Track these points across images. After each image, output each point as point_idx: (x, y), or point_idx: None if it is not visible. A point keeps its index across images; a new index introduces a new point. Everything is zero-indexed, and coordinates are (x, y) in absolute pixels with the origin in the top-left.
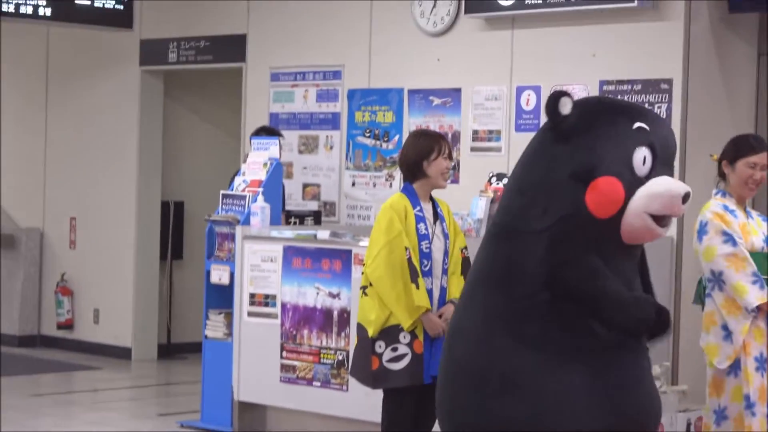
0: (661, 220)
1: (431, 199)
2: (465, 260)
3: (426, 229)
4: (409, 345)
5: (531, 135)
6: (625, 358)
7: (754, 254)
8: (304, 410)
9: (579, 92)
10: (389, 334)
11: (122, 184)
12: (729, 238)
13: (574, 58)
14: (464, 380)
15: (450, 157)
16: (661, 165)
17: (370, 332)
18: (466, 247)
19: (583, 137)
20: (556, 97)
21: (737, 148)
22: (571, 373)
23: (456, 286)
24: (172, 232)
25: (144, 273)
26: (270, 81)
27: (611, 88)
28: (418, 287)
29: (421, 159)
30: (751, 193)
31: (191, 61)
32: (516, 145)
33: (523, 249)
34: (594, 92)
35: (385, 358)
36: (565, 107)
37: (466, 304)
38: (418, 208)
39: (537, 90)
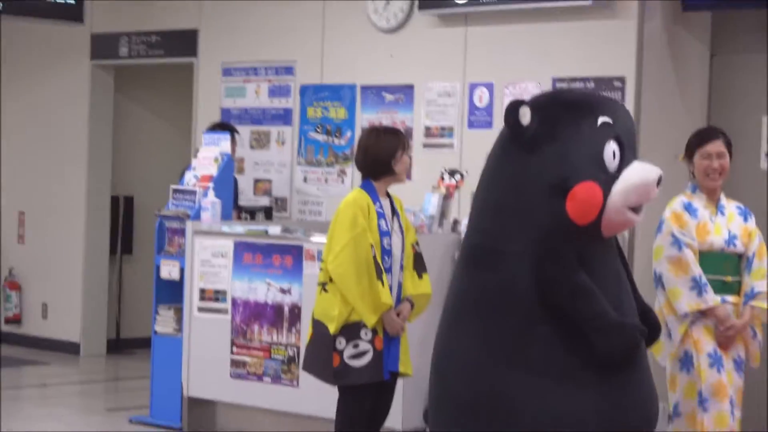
0: (636, 208)
1: (387, 194)
2: (417, 255)
3: (386, 225)
4: (371, 342)
5: (483, 132)
6: (628, 367)
7: (709, 254)
8: (255, 406)
9: (532, 89)
10: (350, 330)
11: (72, 179)
12: (676, 242)
13: (527, 56)
14: (462, 410)
15: (409, 149)
16: (629, 151)
17: (332, 329)
18: (417, 243)
19: (550, 145)
20: (515, 107)
21: (692, 141)
22: (575, 395)
23: (410, 282)
24: (122, 226)
25: (93, 268)
26: (222, 76)
27: (564, 85)
28: (383, 284)
29: (390, 158)
30: (714, 183)
31: (142, 55)
32: (468, 141)
33: (509, 272)
34: (547, 90)
35: (346, 354)
36: (525, 117)
37: (452, 330)
38: (378, 204)
39: (490, 87)
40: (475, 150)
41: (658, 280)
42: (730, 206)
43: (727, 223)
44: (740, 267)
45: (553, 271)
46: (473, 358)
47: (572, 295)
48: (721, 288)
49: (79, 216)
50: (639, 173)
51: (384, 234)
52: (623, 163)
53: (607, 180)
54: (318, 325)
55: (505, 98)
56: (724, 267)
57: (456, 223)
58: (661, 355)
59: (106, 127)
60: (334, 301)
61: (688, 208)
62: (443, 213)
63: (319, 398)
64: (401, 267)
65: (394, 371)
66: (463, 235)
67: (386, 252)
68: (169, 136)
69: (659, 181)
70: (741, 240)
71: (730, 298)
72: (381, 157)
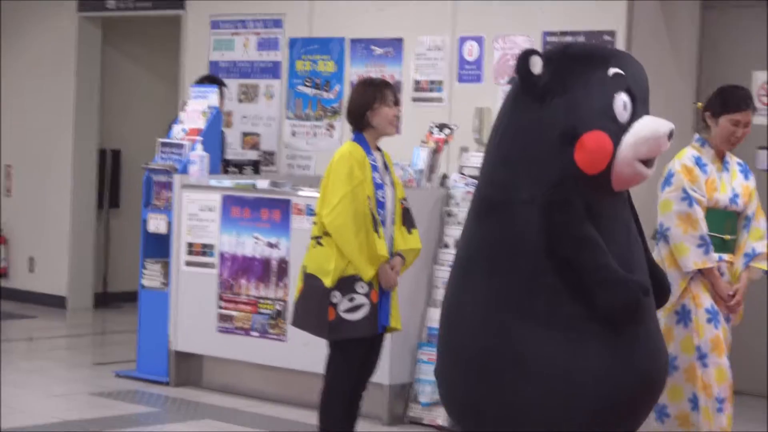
0: (647, 161)
1: (379, 149)
2: (405, 211)
3: (380, 178)
4: (367, 295)
5: (473, 86)
6: (632, 322)
7: (714, 212)
8: (242, 360)
9: (522, 43)
10: (346, 284)
11: (59, 132)
12: (687, 197)
13: (517, 9)
14: (469, 364)
15: (396, 103)
16: (640, 104)
17: (327, 282)
18: (405, 198)
19: (560, 95)
20: (526, 56)
21: (724, 103)
22: (582, 349)
23: (400, 237)
24: (109, 180)
25: (80, 222)
26: (210, 29)
27: (554, 39)
28: (379, 236)
29: (365, 109)
30: (731, 147)
31: (130, 8)
32: (458, 95)
33: (518, 222)
34: (537, 44)
35: (341, 308)
36: (536, 67)
37: (460, 282)
38: (372, 157)
39: (479, 40)
40: (464, 104)
41: (663, 234)
42: (733, 163)
43: (731, 180)
44: (738, 226)
45: (561, 220)
46: (480, 309)
47: (577, 245)
48: (720, 246)
49: (66, 169)
50: (650, 126)
51: (378, 186)
52: (635, 116)
53: (617, 131)
54: (311, 279)
55: (495, 52)
56: (725, 225)
57: (445, 177)
58: None
59: (93, 80)
60: (330, 254)
61: (698, 161)
62: (432, 167)
63: (307, 353)
64: (392, 221)
65: (385, 325)
66: (451, 189)
67: (380, 205)
68: (157, 89)
69: (671, 135)
70: (742, 198)
71: (726, 257)
72: (355, 109)
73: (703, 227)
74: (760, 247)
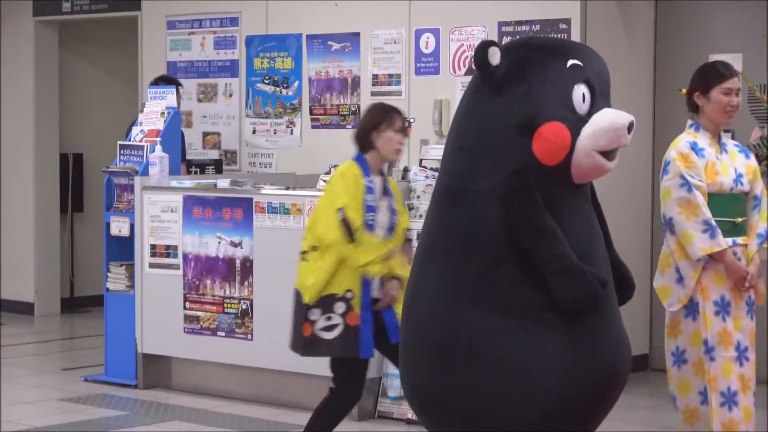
0: (608, 154)
1: (382, 174)
2: (406, 241)
3: (373, 201)
4: (342, 316)
5: (431, 78)
6: (595, 312)
7: (719, 196)
8: (209, 361)
9: (478, 35)
10: (326, 302)
11: (20, 138)
12: (685, 183)
13: (472, 1)
14: (427, 351)
15: (403, 131)
16: (600, 97)
17: (306, 298)
18: (408, 229)
19: (518, 86)
20: (484, 47)
21: (709, 78)
22: (540, 339)
23: (398, 263)
24: (72, 184)
25: (44, 227)
26: (166, 29)
27: (510, 29)
28: (359, 243)
29: (371, 129)
30: (730, 119)
31: (85, 10)
32: (416, 88)
33: (477, 211)
34: (493, 34)
35: (318, 326)
36: (494, 57)
37: (421, 271)
38: (368, 179)
39: (436, 33)
40: (422, 97)
41: (668, 224)
42: (730, 144)
43: (732, 162)
44: (747, 207)
45: (519, 210)
46: (439, 296)
47: (535, 235)
48: (731, 230)
49: (28, 175)
50: (610, 117)
51: (369, 209)
52: (594, 108)
53: (576, 122)
54: (295, 295)
55: (451, 44)
56: (733, 208)
57: (406, 171)
58: (669, 300)
59: (52, 84)
60: (311, 269)
61: (695, 147)
62: (392, 161)
63: (274, 351)
64: None
65: (370, 353)
66: (411, 182)
67: (368, 227)
68: (116, 91)
69: (631, 128)
70: (747, 178)
71: (740, 240)
72: (362, 128)
73: (706, 212)
74: None
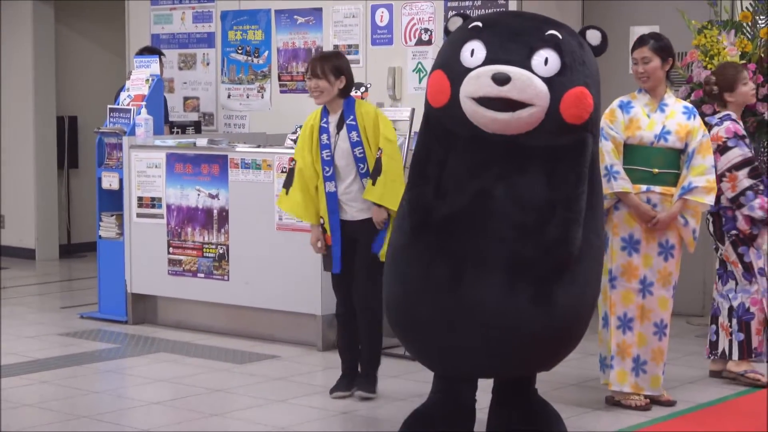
0: (488, 102)
1: (345, 109)
2: (376, 161)
3: (328, 138)
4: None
5: (385, 48)
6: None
7: (639, 148)
8: (191, 299)
9: (427, 9)
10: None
11: (20, 103)
12: (602, 135)
13: None
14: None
15: (311, 78)
16: (499, 52)
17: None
18: (380, 149)
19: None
20: (451, 17)
21: (631, 50)
22: (433, 302)
23: (369, 188)
24: (68, 144)
25: (44, 181)
26: (150, 5)
27: (455, 4)
28: (287, 194)
29: None
30: (644, 84)
31: None
32: (372, 57)
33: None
34: (439, 9)
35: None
36: (454, 25)
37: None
38: (325, 120)
39: (389, 8)
40: (378, 65)
41: None
42: (676, 105)
43: (663, 120)
44: (677, 161)
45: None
46: (388, 264)
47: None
48: (648, 179)
49: (28, 136)
50: (481, 69)
51: (324, 147)
52: (488, 62)
53: (460, 72)
54: None
55: (403, 18)
56: (653, 160)
57: None
58: None
59: (49, 55)
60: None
61: (624, 105)
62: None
63: (247, 290)
64: (360, 173)
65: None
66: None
67: (326, 162)
68: (106, 60)
69: (499, 80)
70: (675, 135)
71: (658, 189)
72: None
73: (608, 159)
74: (696, 181)
